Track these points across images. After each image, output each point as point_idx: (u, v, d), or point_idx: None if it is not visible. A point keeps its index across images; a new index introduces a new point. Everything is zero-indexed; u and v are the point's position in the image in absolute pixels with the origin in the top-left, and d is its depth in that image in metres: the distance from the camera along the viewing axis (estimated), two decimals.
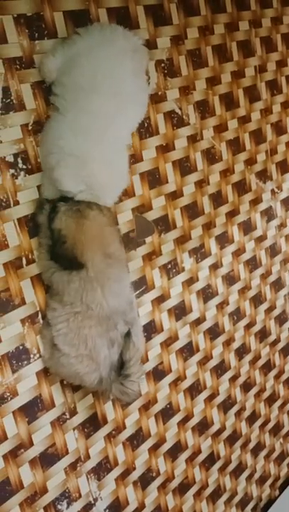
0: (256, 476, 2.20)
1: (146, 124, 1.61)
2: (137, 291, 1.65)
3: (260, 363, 2.17)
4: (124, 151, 1.38)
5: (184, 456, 1.86)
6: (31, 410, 1.40)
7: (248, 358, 2.11)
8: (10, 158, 1.30)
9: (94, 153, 1.27)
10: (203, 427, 1.93)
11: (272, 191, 2.15)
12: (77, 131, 1.26)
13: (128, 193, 1.59)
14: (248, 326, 2.09)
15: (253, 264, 2.09)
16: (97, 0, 1.46)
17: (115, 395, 1.36)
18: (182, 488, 1.86)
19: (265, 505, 2.25)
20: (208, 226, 1.87)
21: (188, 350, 1.84)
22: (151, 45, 1.61)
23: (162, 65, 1.65)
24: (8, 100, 1.30)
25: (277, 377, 2.27)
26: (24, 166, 1.33)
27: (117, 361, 1.35)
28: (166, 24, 1.64)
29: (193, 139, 1.77)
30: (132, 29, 1.54)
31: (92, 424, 1.55)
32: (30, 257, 1.36)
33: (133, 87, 1.34)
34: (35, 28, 1.33)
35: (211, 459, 1.98)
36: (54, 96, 1.31)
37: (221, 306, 1.95)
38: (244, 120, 1.97)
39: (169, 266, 1.74)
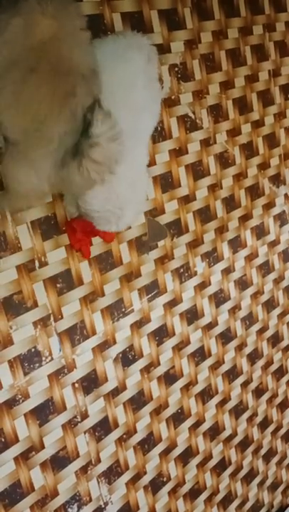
0: (268, 482, 2.18)
1: (159, 128, 1.62)
2: (149, 295, 1.65)
3: (273, 368, 2.16)
4: (144, 167, 1.40)
5: (195, 461, 1.85)
6: (43, 413, 1.40)
7: (261, 363, 2.09)
8: None
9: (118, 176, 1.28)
10: (214, 432, 1.92)
11: (286, 196, 2.14)
12: None
13: None
14: (261, 331, 2.08)
15: (265, 268, 2.08)
16: (112, 4, 1.46)
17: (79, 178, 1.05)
18: (193, 494, 1.85)
19: None
20: (221, 230, 1.87)
21: (200, 355, 1.83)
22: (164, 49, 1.61)
23: (176, 69, 1.65)
24: None
25: None
26: None
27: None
28: (180, 28, 1.65)
29: (206, 143, 1.77)
30: (145, 33, 1.55)
31: (103, 427, 1.55)
32: (42, 259, 1.37)
33: (147, 101, 1.34)
34: None
35: (223, 465, 1.96)
36: None
37: (233, 310, 1.95)
38: (257, 124, 1.97)
39: (182, 270, 1.74)
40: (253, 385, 2.06)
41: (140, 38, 1.35)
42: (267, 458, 2.17)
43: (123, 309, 1.57)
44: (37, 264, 1.36)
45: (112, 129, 1.06)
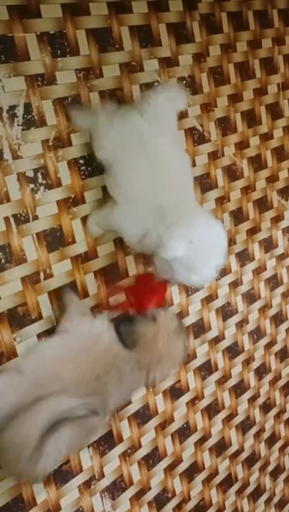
0: (275, 499, 2.15)
1: None
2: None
3: (281, 383, 2.13)
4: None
5: (201, 477, 1.83)
6: None
7: (268, 378, 2.07)
8: (30, 173, 1.31)
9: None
10: (220, 447, 1.89)
11: None
12: None
13: None
14: (269, 345, 2.06)
15: (273, 282, 2.06)
16: (120, 18, 1.47)
17: None
18: (198, 510, 1.82)
19: None
20: (229, 243, 1.85)
21: (207, 369, 1.81)
22: (172, 62, 1.61)
23: (184, 82, 1.65)
24: (30, 116, 1.31)
25: None
26: (44, 181, 1.34)
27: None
28: (188, 42, 1.65)
29: (214, 156, 1.77)
30: (153, 47, 1.55)
31: (108, 442, 1.53)
32: (47, 271, 1.36)
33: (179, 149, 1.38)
34: (57, 46, 1.35)
35: (229, 481, 1.93)
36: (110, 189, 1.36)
37: (240, 324, 1.93)
38: (266, 137, 1.96)
39: None
40: (260, 400, 2.04)
41: (169, 94, 1.38)
42: (274, 474, 2.14)
43: None
44: (42, 276, 1.35)
45: None
